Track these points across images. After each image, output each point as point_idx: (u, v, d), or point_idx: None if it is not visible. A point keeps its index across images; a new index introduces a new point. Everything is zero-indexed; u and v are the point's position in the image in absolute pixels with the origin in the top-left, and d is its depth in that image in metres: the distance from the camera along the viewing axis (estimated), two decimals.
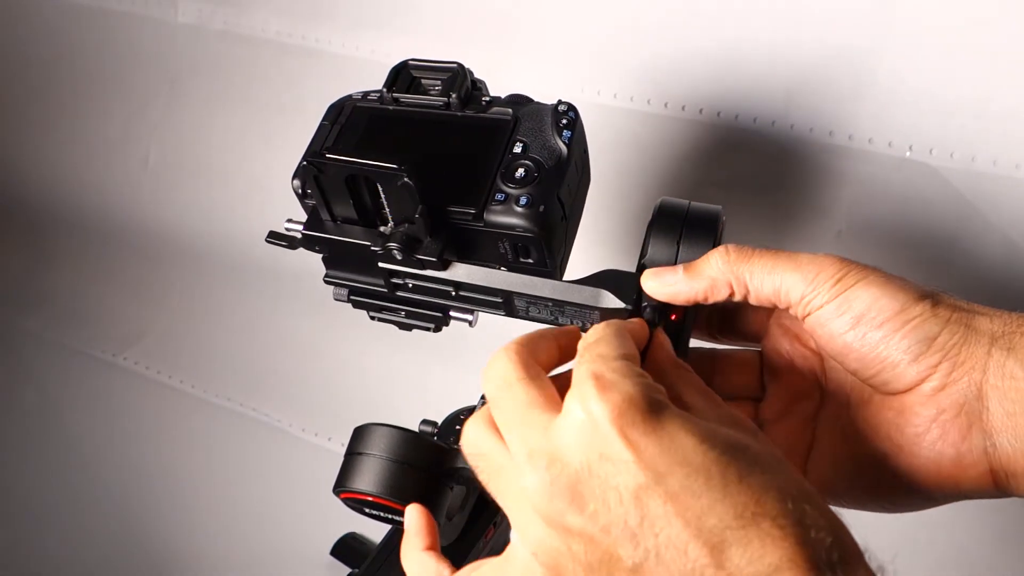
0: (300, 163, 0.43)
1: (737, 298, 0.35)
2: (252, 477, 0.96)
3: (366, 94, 0.48)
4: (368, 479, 0.40)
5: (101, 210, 1.16)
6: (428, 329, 0.48)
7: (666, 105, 0.73)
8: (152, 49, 1.04)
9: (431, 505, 0.40)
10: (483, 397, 0.56)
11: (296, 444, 0.98)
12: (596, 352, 0.30)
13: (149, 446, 1.01)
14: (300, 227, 0.45)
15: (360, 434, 0.41)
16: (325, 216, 0.44)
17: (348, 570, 0.79)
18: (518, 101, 0.46)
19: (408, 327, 0.48)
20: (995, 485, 0.32)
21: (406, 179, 0.39)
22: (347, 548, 0.86)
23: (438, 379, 0.95)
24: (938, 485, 0.33)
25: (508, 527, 0.57)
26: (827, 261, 0.33)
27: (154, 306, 1.14)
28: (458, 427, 0.54)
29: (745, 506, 0.25)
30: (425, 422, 0.55)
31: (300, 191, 0.45)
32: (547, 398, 0.30)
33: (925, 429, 0.32)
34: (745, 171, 0.73)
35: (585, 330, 0.41)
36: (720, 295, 0.35)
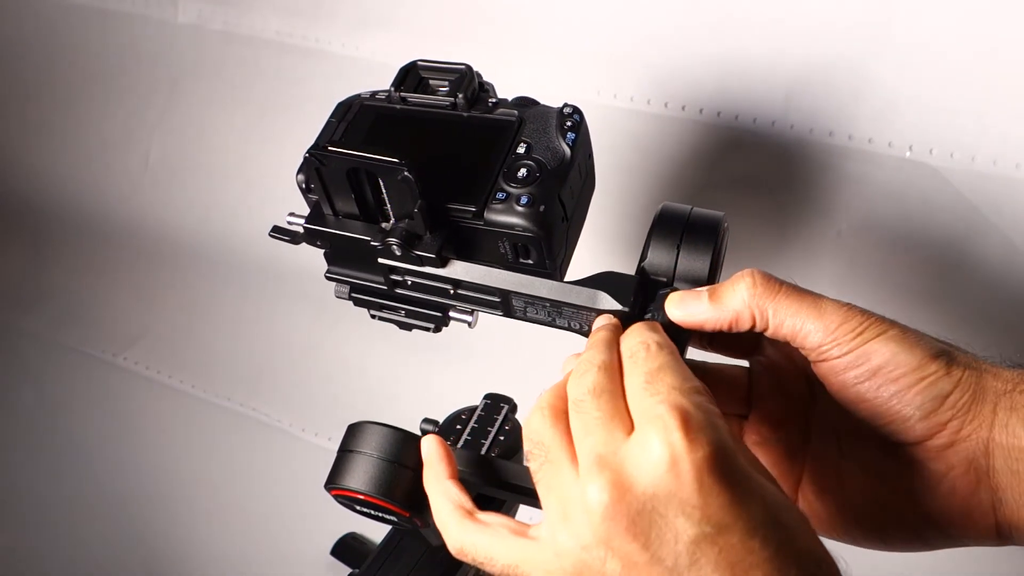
0: (304, 156, 0.43)
1: (758, 329, 0.35)
2: (252, 477, 0.96)
3: (375, 93, 0.48)
4: (359, 477, 0.39)
5: (101, 210, 1.16)
6: (428, 329, 0.48)
7: (666, 105, 0.73)
8: (152, 49, 1.04)
9: (421, 505, 0.39)
10: (487, 397, 0.56)
11: (296, 444, 0.98)
12: (668, 383, 0.30)
13: (149, 446, 1.01)
14: (302, 221, 0.45)
15: (353, 432, 0.41)
16: (327, 210, 0.44)
17: (348, 570, 0.79)
18: (524, 103, 0.46)
19: (408, 327, 0.48)
20: (998, 536, 0.33)
21: (406, 173, 0.39)
22: (347, 548, 0.86)
23: (438, 379, 0.95)
24: (941, 533, 0.34)
25: None
26: (850, 314, 0.33)
27: (154, 306, 1.14)
28: (459, 427, 0.54)
29: (785, 572, 0.27)
30: (427, 421, 0.55)
31: (304, 185, 0.45)
32: (626, 415, 0.30)
33: (936, 483, 0.33)
34: (745, 171, 0.73)
35: (583, 332, 0.41)
36: (744, 327, 0.35)
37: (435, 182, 0.41)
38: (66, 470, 1.00)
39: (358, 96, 0.48)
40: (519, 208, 0.41)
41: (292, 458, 0.96)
